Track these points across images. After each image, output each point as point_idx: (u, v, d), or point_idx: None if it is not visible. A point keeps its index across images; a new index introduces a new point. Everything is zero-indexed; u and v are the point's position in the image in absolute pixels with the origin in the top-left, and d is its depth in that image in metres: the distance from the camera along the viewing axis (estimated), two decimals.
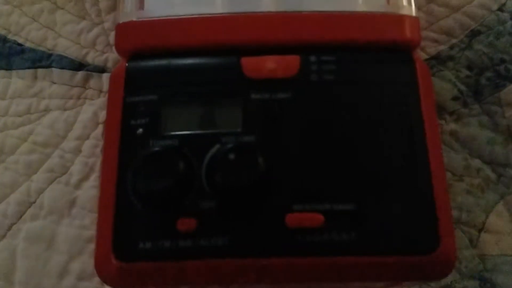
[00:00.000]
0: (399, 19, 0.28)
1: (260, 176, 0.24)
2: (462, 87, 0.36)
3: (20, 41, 0.38)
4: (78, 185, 0.34)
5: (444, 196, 0.25)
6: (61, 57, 0.38)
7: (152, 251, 0.24)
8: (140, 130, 0.26)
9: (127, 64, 0.28)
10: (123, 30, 0.28)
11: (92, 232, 0.33)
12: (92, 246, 0.32)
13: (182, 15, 0.28)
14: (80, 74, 0.37)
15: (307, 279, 0.24)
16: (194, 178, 0.25)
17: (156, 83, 0.27)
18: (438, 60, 0.36)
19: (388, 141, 0.26)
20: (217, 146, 0.25)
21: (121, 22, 0.29)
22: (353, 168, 0.25)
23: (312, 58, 0.27)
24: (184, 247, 0.24)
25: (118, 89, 0.27)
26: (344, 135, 0.26)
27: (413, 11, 0.29)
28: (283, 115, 0.26)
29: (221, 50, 0.27)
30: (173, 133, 0.26)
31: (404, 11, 0.28)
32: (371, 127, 0.26)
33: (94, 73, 0.37)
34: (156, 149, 0.25)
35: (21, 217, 0.34)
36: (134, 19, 0.28)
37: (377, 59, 0.27)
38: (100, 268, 0.25)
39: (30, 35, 0.38)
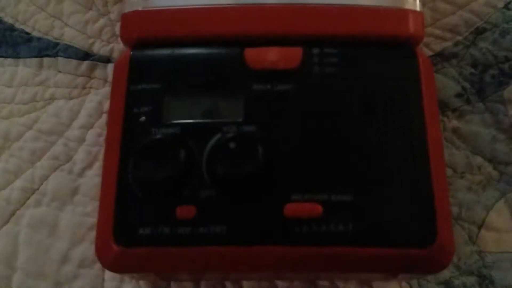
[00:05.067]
0: (403, 14, 0.28)
1: (260, 166, 0.24)
2: (466, 84, 0.36)
3: (27, 30, 0.39)
4: (81, 173, 0.35)
5: (443, 190, 0.25)
6: (67, 47, 0.38)
7: (151, 237, 0.24)
8: (143, 118, 0.26)
9: (131, 53, 0.28)
10: (129, 20, 0.29)
11: (94, 219, 0.33)
12: (93, 234, 0.32)
13: (186, 6, 0.28)
14: (86, 64, 0.38)
15: (304, 269, 0.24)
16: (194, 166, 0.25)
17: (159, 72, 0.27)
18: (442, 56, 0.36)
19: (389, 134, 0.26)
20: (218, 135, 0.25)
21: (126, 11, 0.29)
22: (353, 160, 0.25)
23: (315, 51, 0.27)
24: (183, 234, 0.24)
25: (122, 77, 0.27)
26: (344, 127, 0.26)
27: (418, 6, 0.28)
28: (284, 106, 0.26)
29: (224, 41, 0.27)
30: (175, 121, 0.26)
31: (408, 6, 0.28)
32: (372, 121, 0.26)
33: (99, 63, 0.38)
34: (158, 136, 0.25)
35: (24, 203, 0.34)
36: (140, 8, 0.29)
37: (380, 53, 0.27)
38: (101, 253, 0.25)
39: (37, 24, 0.39)
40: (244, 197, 0.25)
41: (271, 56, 0.27)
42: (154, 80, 0.27)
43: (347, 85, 0.27)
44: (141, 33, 0.28)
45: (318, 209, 0.24)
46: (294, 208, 0.24)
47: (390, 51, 0.28)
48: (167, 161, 0.24)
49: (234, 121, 0.26)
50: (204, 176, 0.25)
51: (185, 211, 0.24)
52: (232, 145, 0.24)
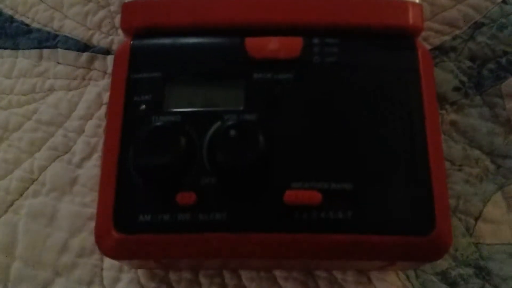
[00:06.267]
0: (402, 5, 0.28)
1: (260, 153, 0.24)
2: (464, 78, 0.36)
3: (27, 21, 0.39)
4: (80, 164, 0.35)
5: (441, 179, 0.25)
6: (67, 38, 0.38)
7: (152, 223, 0.24)
8: (143, 106, 0.26)
9: (132, 42, 0.28)
10: (129, 9, 0.29)
11: (92, 210, 0.33)
12: (92, 224, 0.32)
13: None
14: (85, 56, 0.38)
15: (303, 256, 0.24)
16: (195, 154, 0.25)
17: (160, 61, 0.27)
18: (441, 50, 0.36)
19: (388, 124, 0.26)
20: (218, 123, 0.25)
21: (127, 1, 0.29)
22: (352, 149, 0.25)
23: (315, 40, 0.27)
24: (183, 221, 0.24)
25: (122, 66, 0.27)
26: (344, 116, 0.26)
27: None
28: (285, 94, 0.26)
29: (225, 30, 0.27)
30: (175, 110, 0.26)
31: None
32: (372, 110, 0.26)
33: (99, 55, 0.38)
34: (158, 124, 0.25)
35: (23, 193, 0.34)
36: None
37: (380, 43, 0.28)
38: (101, 240, 0.25)
39: (37, 15, 0.39)
40: (244, 184, 0.25)
41: (272, 46, 0.27)
42: (155, 68, 0.27)
43: (347, 75, 0.27)
44: (141, 22, 0.28)
45: (318, 196, 0.24)
46: (293, 196, 0.24)
47: (390, 42, 0.28)
48: (168, 148, 0.24)
49: (234, 110, 0.26)
50: (205, 163, 0.25)
51: (186, 198, 0.24)
52: (232, 132, 0.24)
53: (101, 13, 0.38)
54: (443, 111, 0.35)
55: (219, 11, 0.28)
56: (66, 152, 0.35)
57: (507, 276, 0.31)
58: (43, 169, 0.35)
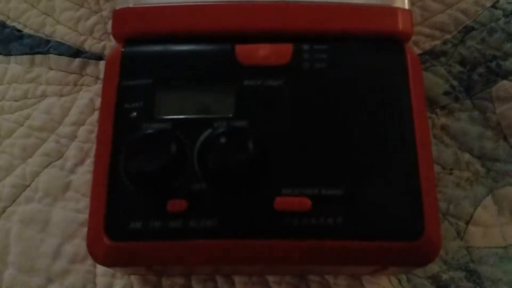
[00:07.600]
0: (391, 11, 0.28)
1: (250, 160, 0.24)
2: (454, 82, 0.36)
3: (18, 27, 0.39)
4: (72, 170, 0.35)
5: (431, 184, 0.25)
6: (59, 44, 0.38)
7: (143, 231, 0.24)
8: (134, 113, 0.26)
9: (122, 49, 0.28)
10: (120, 16, 0.29)
11: (85, 216, 0.33)
12: (85, 230, 0.32)
13: (178, 2, 0.28)
14: (77, 61, 0.38)
15: (293, 262, 0.25)
16: (185, 161, 0.25)
17: (151, 68, 0.27)
18: (431, 55, 0.37)
19: (377, 129, 0.26)
20: (209, 130, 0.25)
21: (118, 8, 0.29)
22: (342, 155, 0.26)
23: (305, 47, 0.27)
24: (174, 228, 0.24)
25: (113, 73, 0.27)
26: (334, 122, 0.26)
27: (406, 4, 0.29)
28: (275, 101, 0.26)
29: (215, 37, 0.28)
30: (166, 117, 0.26)
31: (397, 4, 0.29)
32: (361, 116, 0.26)
33: (91, 60, 0.38)
34: (149, 131, 0.25)
35: (15, 199, 0.34)
36: (131, 5, 0.29)
37: (369, 49, 0.28)
38: (92, 247, 0.25)
39: (29, 21, 0.39)
40: (234, 191, 0.25)
41: (261, 52, 0.27)
42: (145, 76, 0.27)
43: (337, 81, 0.27)
44: (132, 29, 0.28)
45: (307, 202, 0.25)
46: (283, 202, 0.25)
47: (379, 48, 0.28)
48: (158, 154, 0.24)
49: (225, 117, 0.26)
50: (195, 170, 0.25)
51: (176, 205, 0.24)
52: (222, 139, 0.24)
53: (93, 19, 0.38)
54: (434, 115, 0.35)
55: (210, 18, 0.28)
56: (59, 158, 0.35)
57: (498, 279, 0.32)
58: (35, 175, 0.35)
